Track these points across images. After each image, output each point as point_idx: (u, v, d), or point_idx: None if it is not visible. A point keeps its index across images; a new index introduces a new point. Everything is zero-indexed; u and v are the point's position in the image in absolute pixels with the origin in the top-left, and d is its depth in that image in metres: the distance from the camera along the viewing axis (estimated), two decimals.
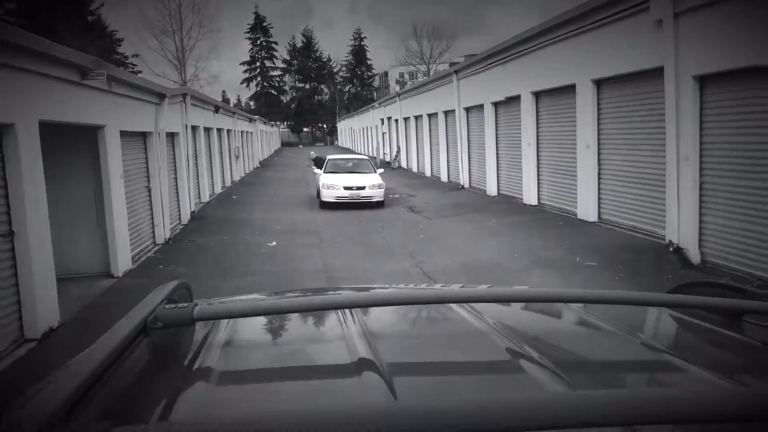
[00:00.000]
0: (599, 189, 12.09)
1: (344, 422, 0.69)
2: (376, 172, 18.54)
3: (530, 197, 15.32)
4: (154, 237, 12.42)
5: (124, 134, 10.48)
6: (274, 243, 12.26)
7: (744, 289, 1.42)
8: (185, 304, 1.18)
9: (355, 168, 18.87)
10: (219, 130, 22.78)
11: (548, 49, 13.38)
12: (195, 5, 61.07)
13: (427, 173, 26.76)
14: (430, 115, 25.60)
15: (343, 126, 71.62)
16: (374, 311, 1.52)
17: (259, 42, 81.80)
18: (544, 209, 14.57)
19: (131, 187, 10.93)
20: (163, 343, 1.24)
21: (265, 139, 50.85)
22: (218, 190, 21.89)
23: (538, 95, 14.56)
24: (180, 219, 14.82)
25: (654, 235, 10.09)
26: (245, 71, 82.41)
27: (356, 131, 56.84)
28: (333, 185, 17.25)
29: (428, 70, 73.94)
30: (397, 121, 33.37)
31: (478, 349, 1.28)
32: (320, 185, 17.82)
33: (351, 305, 1.39)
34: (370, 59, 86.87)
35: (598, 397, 0.79)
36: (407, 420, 0.70)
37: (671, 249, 9.30)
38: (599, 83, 11.66)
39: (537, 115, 14.72)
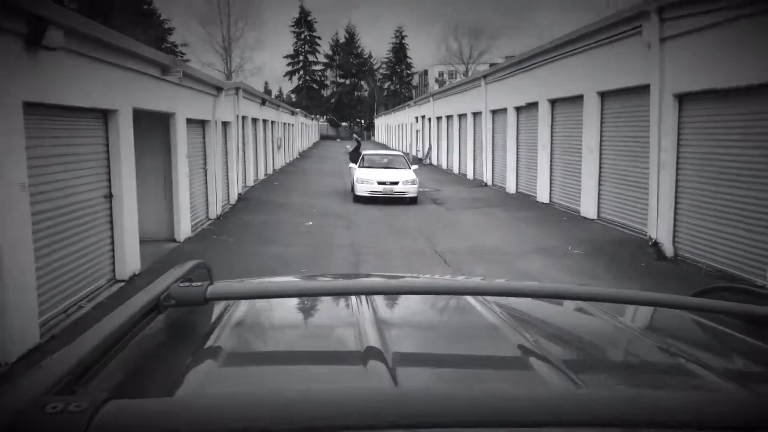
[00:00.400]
0: (599, 190, 13.58)
1: (343, 405, 0.70)
2: (410, 168, 18.86)
3: (543, 195, 16.84)
4: (207, 212, 14.36)
5: (189, 121, 12.39)
6: (311, 223, 14.07)
7: None
8: (199, 284, 1.20)
9: (390, 164, 19.18)
10: (264, 121, 24.77)
11: (562, 62, 14.86)
12: None
13: (455, 170, 28.34)
14: (460, 116, 27.18)
15: (380, 122, 73.46)
16: (388, 299, 1.52)
17: (303, 36, 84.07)
18: (553, 206, 16.08)
19: (192, 167, 12.82)
20: (176, 321, 1.27)
21: (305, 131, 53.01)
22: (261, 176, 23.88)
23: (553, 103, 16.05)
24: (228, 199, 16.74)
25: (639, 232, 11.55)
26: (288, 64, 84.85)
27: (392, 128, 58.61)
28: (367, 180, 17.63)
29: (466, 70, 75.15)
30: (430, 120, 35.00)
31: (488, 342, 1.27)
32: (355, 179, 18.20)
33: (365, 292, 1.38)
34: (410, 57, 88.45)
35: (601, 397, 0.78)
36: (403, 406, 0.71)
37: (650, 243, 10.76)
38: (603, 95, 13.14)
39: (552, 121, 16.23)
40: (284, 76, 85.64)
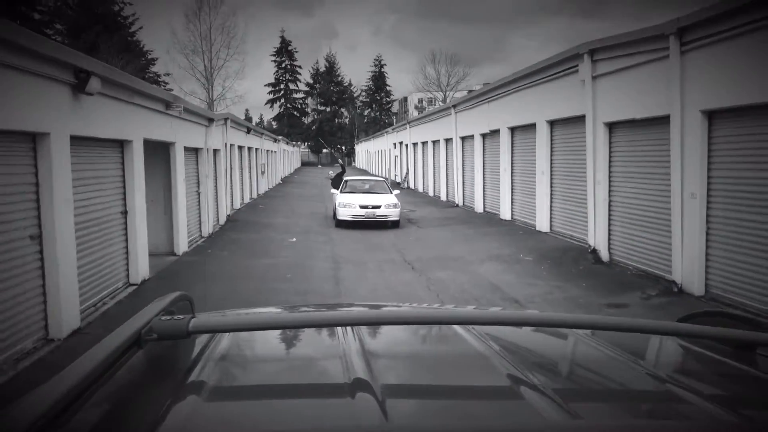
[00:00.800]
0: (551, 206, 15.41)
1: None
2: (391, 192, 19.30)
3: (506, 213, 18.66)
4: (200, 231, 15.92)
5: (185, 149, 14.03)
6: (295, 239, 15.69)
7: (757, 321, 1.42)
8: (181, 317, 1.18)
9: (371, 189, 19.52)
10: (249, 149, 26.46)
11: (518, 94, 16.80)
12: (224, 28, 65.40)
13: (430, 193, 30.17)
14: (434, 142, 29.11)
15: (361, 148, 75.54)
16: (374, 329, 1.52)
17: (283, 65, 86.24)
18: (515, 223, 17.88)
19: (187, 190, 14.43)
20: (157, 356, 1.25)
21: (287, 158, 54.72)
22: (247, 200, 25.48)
23: (513, 130, 17.95)
24: (218, 220, 18.30)
25: (582, 241, 13.33)
26: (270, 92, 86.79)
27: (372, 153, 60.60)
28: (350, 204, 17.89)
29: (444, 97, 77.63)
30: (407, 146, 36.95)
31: (478, 373, 1.27)
32: (337, 204, 18.41)
33: (350, 323, 1.38)
34: (389, 85, 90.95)
35: (594, 427, 0.80)
36: None
37: (589, 250, 12.54)
38: (552, 123, 15.04)
39: (512, 146, 18.11)
40: (266, 104, 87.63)
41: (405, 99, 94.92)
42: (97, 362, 0.98)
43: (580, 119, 12.88)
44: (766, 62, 7.75)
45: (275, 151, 40.70)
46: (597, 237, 12.43)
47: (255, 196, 28.41)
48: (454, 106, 24.11)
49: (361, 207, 17.78)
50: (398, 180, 39.03)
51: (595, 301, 9.33)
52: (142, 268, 10.46)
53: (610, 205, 12.21)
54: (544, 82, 14.97)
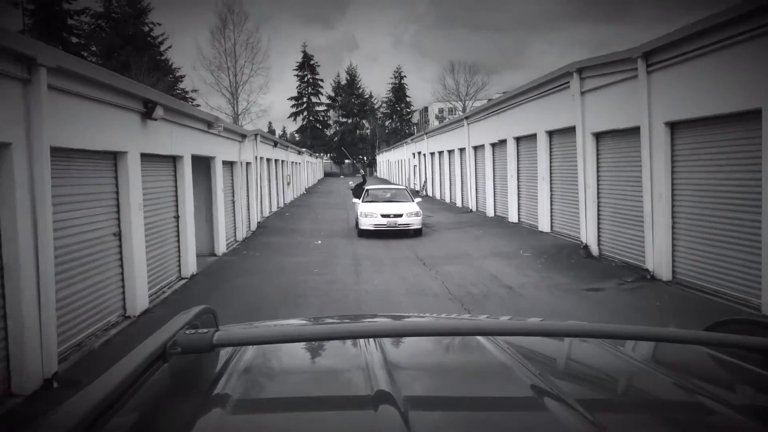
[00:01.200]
0: (551, 209, 16.99)
1: None
2: (413, 200, 19.33)
3: (513, 216, 20.25)
4: (235, 235, 17.80)
5: (223, 163, 15.93)
6: (320, 242, 17.48)
7: None
8: (206, 330, 1.20)
9: (393, 197, 19.66)
10: (276, 161, 28.41)
11: (523, 107, 18.44)
12: (248, 44, 67.82)
13: (447, 200, 31.82)
14: (449, 152, 30.80)
15: (382, 158, 77.44)
16: (397, 340, 1.52)
17: (306, 79, 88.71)
18: (521, 225, 19.47)
19: (224, 199, 16.31)
20: (182, 369, 1.27)
21: (310, 169, 56.81)
22: (274, 209, 27.41)
23: (518, 140, 19.57)
24: (250, 226, 20.18)
25: (577, 239, 14.88)
26: (292, 106, 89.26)
27: (392, 163, 62.42)
28: (371, 213, 17.99)
29: (464, 106, 79.25)
30: (424, 155, 38.66)
31: (502, 384, 1.27)
32: (358, 213, 18.51)
33: (373, 335, 1.39)
34: (409, 96, 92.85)
35: None
36: None
37: (582, 247, 14.10)
38: (551, 134, 16.64)
39: (518, 155, 19.73)
40: (289, 117, 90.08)
41: (426, 109, 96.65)
42: (123, 376, 1.00)
43: (573, 130, 14.47)
44: (719, 80, 9.27)
45: (299, 163, 42.72)
46: (588, 235, 13.99)
47: (282, 205, 30.36)
48: (467, 118, 25.80)
49: (383, 216, 17.90)
50: (417, 188, 40.73)
51: (577, 287, 10.91)
52: (191, 265, 12.32)
53: (598, 206, 13.77)
54: (542, 96, 16.60)
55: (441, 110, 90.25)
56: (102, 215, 8.48)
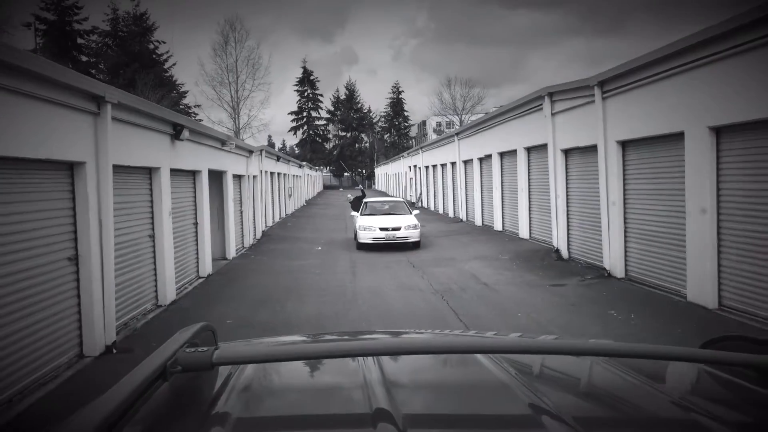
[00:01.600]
0: (530, 217, 18.80)
1: None
2: (411, 213, 19.69)
3: (498, 225, 22.06)
4: (243, 242, 19.57)
5: (233, 176, 17.74)
6: (320, 248, 19.25)
7: None
8: (205, 348, 1.22)
9: (391, 210, 19.88)
10: (279, 174, 30.24)
11: (505, 125, 20.30)
12: (249, 60, 69.75)
13: (440, 211, 33.63)
14: (442, 165, 32.66)
15: (380, 171, 79.45)
16: (396, 359, 1.53)
17: (306, 94, 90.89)
18: (504, 233, 21.27)
19: (234, 209, 18.10)
20: (182, 388, 1.28)
21: (310, 181, 58.68)
22: (277, 219, 29.21)
23: (501, 155, 21.42)
24: (255, 234, 21.95)
25: (550, 245, 16.67)
26: (293, 120, 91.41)
27: (390, 176, 64.34)
28: (369, 227, 18.20)
29: (460, 121, 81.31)
30: (420, 168, 40.53)
31: (499, 401, 1.28)
32: (357, 227, 18.69)
33: (372, 353, 1.40)
34: (407, 111, 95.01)
35: None
36: None
37: (554, 251, 15.88)
38: (528, 150, 18.48)
39: (501, 169, 21.56)
40: (289, 131, 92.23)
41: (424, 122, 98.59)
42: (124, 395, 1.01)
43: (546, 146, 16.30)
44: (655, 107, 11.04)
45: (300, 176, 44.58)
46: (559, 240, 15.78)
47: (284, 215, 32.16)
48: (457, 134, 27.68)
49: (381, 229, 18.12)
50: (413, 200, 42.57)
51: (543, 283, 12.68)
52: (208, 266, 14.10)
53: (568, 214, 15.57)
54: (521, 116, 18.46)
55: (439, 124, 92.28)
56: (141, 220, 10.27)
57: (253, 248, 19.55)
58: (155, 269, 10.77)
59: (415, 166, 43.51)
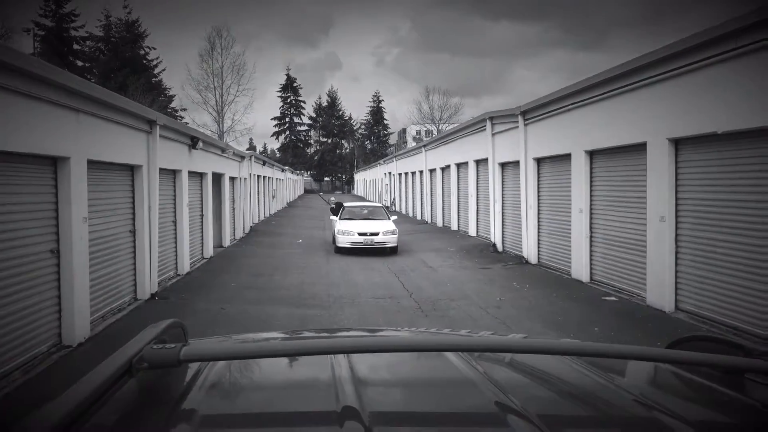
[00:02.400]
0: (477, 218, 22.60)
1: None
2: (389, 218, 20.24)
3: (454, 226, 25.86)
4: (234, 234, 23.09)
5: (229, 178, 21.28)
6: (301, 240, 22.84)
7: (745, 346, 1.45)
8: (173, 345, 1.21)
9: (370, 215, 20.52)
10: (264, 177, 33.77)
11: (460, 141, 24.11)
12: (234, 66, 72.77)
13: (410, 214, 37.40)
14: (412, 173, 36.45)
15: (359, 177, 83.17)
16: (366, 356, 1.54)
17: (289, 100, 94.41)
18: (459, 232, 25.06)
19: (229, 206, 21.61)
20: (149, 385, 1.28)
21: (291, 185, 62.15)
22: (262, 218, 32.72)
23: (458, 166, 25.22)
24: (244, 229, 25.45)
25: (490, 240, 20.43)
26: (275, 125, 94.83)
27: (368, 182, 68.09)
28: (348, 231, 18.72)
29: (438, 129, 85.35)
30: (393, 175, 44.30)
31: (465, 399, 1.31)
32: (336, 231, 19.21)
33: (341, 351, 1.39)
34: (386, 119, 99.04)
35: None
36: None
37: (492, 245, 19.64)
38: (477, 162, 22.29)
39: (458, 178, 25.36)
40: (272, 136, 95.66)
41: (404, 130, 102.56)
42: (88, 392, 1.00)
43: (487, 160, 20.09)
44: (556, 134, 14.79)
45: (282, 180, 48.08)
46: (495, 236, 19.56)
47: (268, 215, 35.66)
48: (425, 146, 31.48)
49: (360, 234, 18.64)
50: (387, 204, 46.31)
51: (475, 267, 16.40)
52: (210, 249, 17.64)
53: (503, 216, 19.36)
54: (472, 134, 22.27)
55: (418, 132, 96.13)
56: (168, 210, 13.79)
57: (243, 239, 23.10)
58: (176, 246, 14.30)
59: (390, 173, 47.28)
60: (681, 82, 9.81)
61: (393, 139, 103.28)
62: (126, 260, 10.97)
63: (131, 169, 11.18)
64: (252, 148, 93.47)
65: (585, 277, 13.49)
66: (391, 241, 18.82)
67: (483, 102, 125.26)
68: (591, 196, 13.39)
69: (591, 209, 13.41)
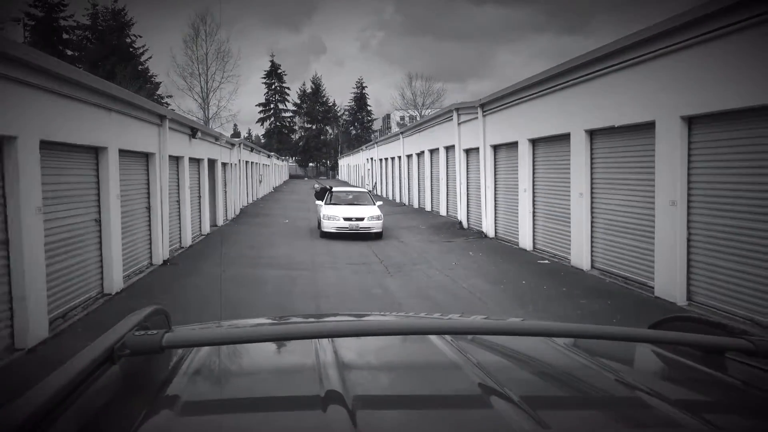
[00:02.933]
0: (447, 199, 25.13)
1: None
2: (375, 204, 20.66)
3: (428, 207, 28.42)
4: (226, 215, 25.43)
5: (222, 164, 23.59)
6: (287, 221, 25.25)
7: (725, 325, 1.50)
8: (155, 332, 1.22)
9: (355, 200, 20.89)
10: (252, 163, 36.04)
11: (433, 129, 26.57)
12: (219, 53, 73.98)
13: (390, 197, 39.91)
14: (392, 159, 38.90)
15: (343, 162, 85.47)
16: (350, 340, 1.56)
17: (273, 87, 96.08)
18: (432, 212, 27.60)
19: (221, 189, 23.91)
20: (131, 371, 1.28)
21: (277, 171, 64.36)
22: (251, 200, 35.05)
23: (431, 152, 27.69)
24: (235, 211, 27.78)
25: (458, 219, 22.94)
26: (260, 111, 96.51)
27: (351, 167, 70.48)
28: (333, 216, 19.00)
29: (420, 115, 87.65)
30: (374, 161, 46.71)
31: (450, 382, 1.32)
32: (321, 216, 19.58)
33: (325, 335, 1.41)
34: (370, 105, 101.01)
35: None
36: None
37: (458, 222, 22.17)
38: (447, 149, 24.76)
39: (431, 163, 27.84)
40: (257, 122, 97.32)
41: (388, 116, 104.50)
42: (69, 378, 1.00)
43: (454, 147, 22.56)
44: (510, 123, 17.20)
45: (268, 165, 50.30)
46: (461, 214, 22.10)
47: (255, 198, 37.98)
48: (402, 133, 33.94)
49: (345, 219, 18.90)
50: (368, 188, 48.74)
51: (440, 240, 18.90)
52: (206, 227, 20.02)
53: (468, 196, 21.88)
54: (442, 123, 24.73)
55: (402, 118, 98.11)
56: (173, 191, 16.12)
57: (235, 220, 25.48)
58: (179, 223, 16.66)
59: (371, 159, 49.69)
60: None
61: (378, 125, 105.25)
62: (143, 231, 13.33)
63: (146, 157, 13.51)
64: (236, 134, 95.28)
65: (529, 246, 16.05)
66: (376, 226, 19.19)
67: (468, 86, 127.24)
68: (534, 177, 15.91)
69: (534, 188, 15.94)
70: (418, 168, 30.88)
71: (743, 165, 8.63)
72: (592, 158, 12.74)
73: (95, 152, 10.37)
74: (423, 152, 28.83)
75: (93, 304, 9.77)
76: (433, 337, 1.54)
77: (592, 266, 12.82)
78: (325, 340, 1.48)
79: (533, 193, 15.97)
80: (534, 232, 16.02)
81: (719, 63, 8.78)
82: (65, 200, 9.13)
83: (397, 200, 36.94)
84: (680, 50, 9.48)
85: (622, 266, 11.71)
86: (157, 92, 67.29)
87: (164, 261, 13.95)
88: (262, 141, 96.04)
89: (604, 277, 12.07)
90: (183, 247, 16.73)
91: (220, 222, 23.14)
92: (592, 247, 12.86)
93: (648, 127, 10.45)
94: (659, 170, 10.13)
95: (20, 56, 7.01)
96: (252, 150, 35.25)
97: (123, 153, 11.54)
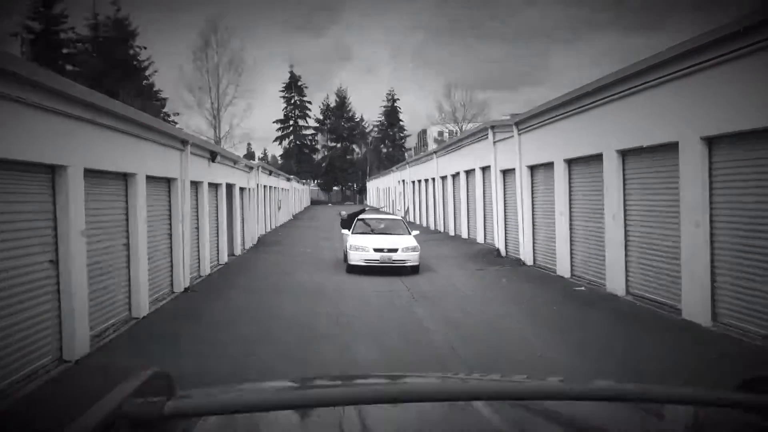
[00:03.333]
0: (484, 226, 26.88)
1: None
2: (410, 233, 20.42)
3: (464, 234, 30.19)
4: (243, 245, 27.57)
5: (241, 189, 25.79)
6: (309, 250, 27.27)
7: None
8: (156, 399, 1.24)
9: (387, 229, 20.70)
10: (271, 188, 38.37)
11: (468, 148, 28.44)
12: (232, 64, 76.27)
13: (423, 224, 41.78)
14: (425, 180, 40.89)
15: (372, 185, 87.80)
16: (382, 408, 1.53)
17: (293, 101, 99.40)
18: (468, 240, 29.35)
19: (239, 215, 26.07)
20: None
21: (297, 196, 66.84)
22: (269, 229, 37.28)
23: (467, 173, 29.54)
24: (253, 240, 29.92)
25: (494, 246, 24.65)
26: (278, 129, 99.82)
27: (381, 190, 72.73)
28: (362, 247, 18.76)
29: (460, 129, 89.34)
30: (407, 183, 48.77)
31: None
32: (348, 246, 19.26)
33: (353, 401, 1.41)
34: (402, 120, 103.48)
35: None
36: None
37: (495, 250, 23.86)
38: (483, 169, 26.58)
39: (467, 185, 29.68)
40: (274, 141, 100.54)
41: (424, 131, 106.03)
42: None
43: (490, 168, 24.38)
44: (546, 144, 18.94)
45: (288, 189, 52.72)
46: (499, 241, 23.82)
47: (274, 226, 40.24)
48: (436, 152, 35.96)
49: (376, 250, 18.65)
50: (402, 214, 50.70)
51: (474, 269, 20.62)
52: (224, 256, 22.13)
53: (505, 222, 23.61)
54: (477, 142, 26.60)
55: (441, 133, 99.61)
56: (193, 218, 18.24)
57: (252, 249, 27.65)
58: (198, 252, 18.76)
59: (403, 181, 51.76)
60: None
61: (412, 142, 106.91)
62: (165, 258, 15.41)
63: (168, 182, 15.66)
64: (250, 155, 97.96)
65: (567, 273, 17.69)
66: (412, 259, 18.78)
67: (521, 94, 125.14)
68: (570, 200, 17.63)
69: (570, 212, 17.64)
70: (453, 191, 32.74)
71: (765, 185, 10.10)
72: (624, 179, 14.43)
73: (124, 178, 12.49)
74: (458, 174, 30.72)
75: (124, 325, 11.79)
76: (480, 404, 1.52)
77: (627, 292, 14.41)
78: (351, 408, 1.48)
79: (570, 216, 17.67)
80: (572, 257, 17.67)
81: (737, 84, 10.36)
82: (100, 225, 11.22)
83: (432, 227, 38.76)
84: (700, 71, 11.24)
85: (654, 290, 13.29)
86: (164, 110, 70.68)
87: (185, 289, 15.99)
88: (280, 162, 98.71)
89: (636, 302, 13.66)
90: (201, 276, 18.78)
91: (238, 251, 25.27)
92: (626, 271, 14.47)
93: (672, 148, 12.15)
94: (683, 191, 11.81)
95: (76, 95, 9.17)
96: (270, 173, 37.61)
97: (149, 179, 13.66)
